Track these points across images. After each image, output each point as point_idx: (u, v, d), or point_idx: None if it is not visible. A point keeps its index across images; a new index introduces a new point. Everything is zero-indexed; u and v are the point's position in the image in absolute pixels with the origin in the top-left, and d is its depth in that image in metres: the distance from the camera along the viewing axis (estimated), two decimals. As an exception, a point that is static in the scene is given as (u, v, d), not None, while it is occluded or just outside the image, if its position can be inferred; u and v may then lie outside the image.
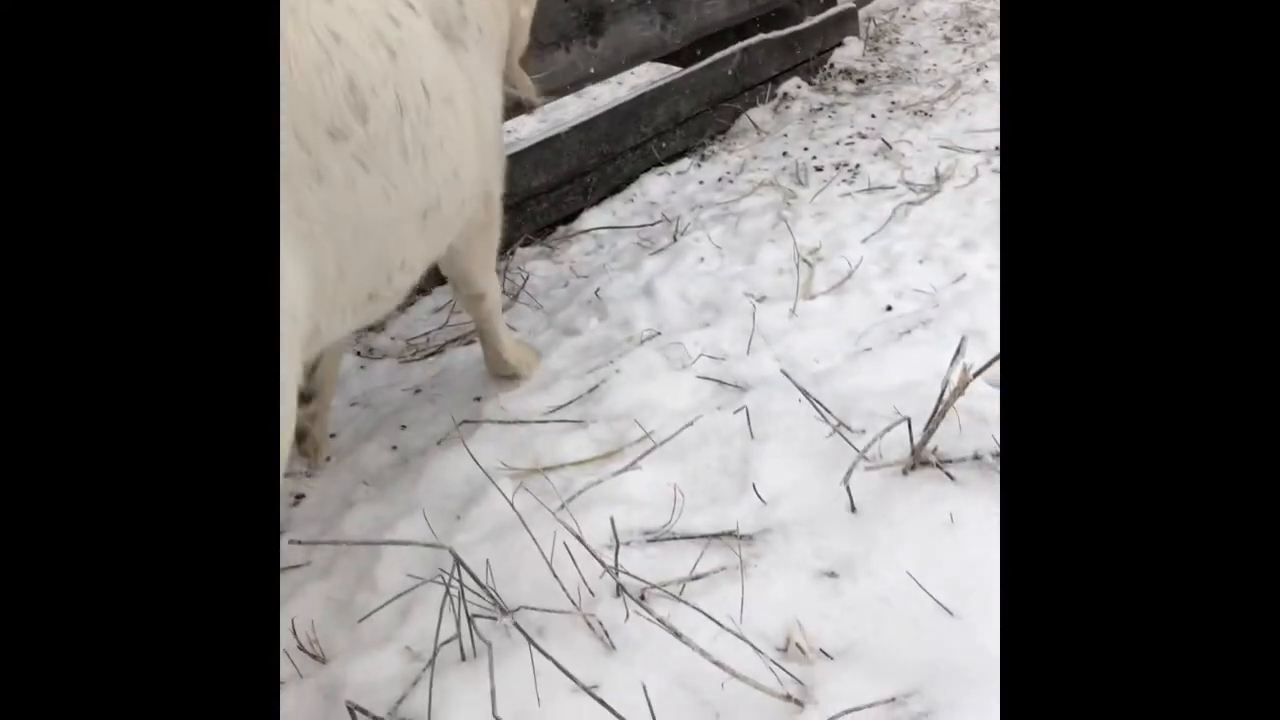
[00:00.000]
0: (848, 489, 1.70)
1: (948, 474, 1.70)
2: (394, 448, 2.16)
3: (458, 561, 1.55)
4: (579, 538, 1.64)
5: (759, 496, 1.76)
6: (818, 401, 1.91)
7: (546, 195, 3.09)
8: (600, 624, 1.54)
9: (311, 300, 1.43)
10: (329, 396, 2.20)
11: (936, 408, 1.74)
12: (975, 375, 1.72)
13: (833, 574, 1.58)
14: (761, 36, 3.86)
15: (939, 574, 1.50)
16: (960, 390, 1.71)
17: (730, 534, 1.68)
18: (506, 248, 2.98)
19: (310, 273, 1.41)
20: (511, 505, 1.77)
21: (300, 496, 2.07)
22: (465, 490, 1.96)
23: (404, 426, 2.23)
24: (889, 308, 2.37)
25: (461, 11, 1.78)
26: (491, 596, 1.58)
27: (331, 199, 1.41)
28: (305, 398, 2.10)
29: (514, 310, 2.69)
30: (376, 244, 1.54)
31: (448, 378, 2.42)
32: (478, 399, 2.28)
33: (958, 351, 1.75)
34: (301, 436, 2.14)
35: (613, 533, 1.66)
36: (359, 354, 2.59)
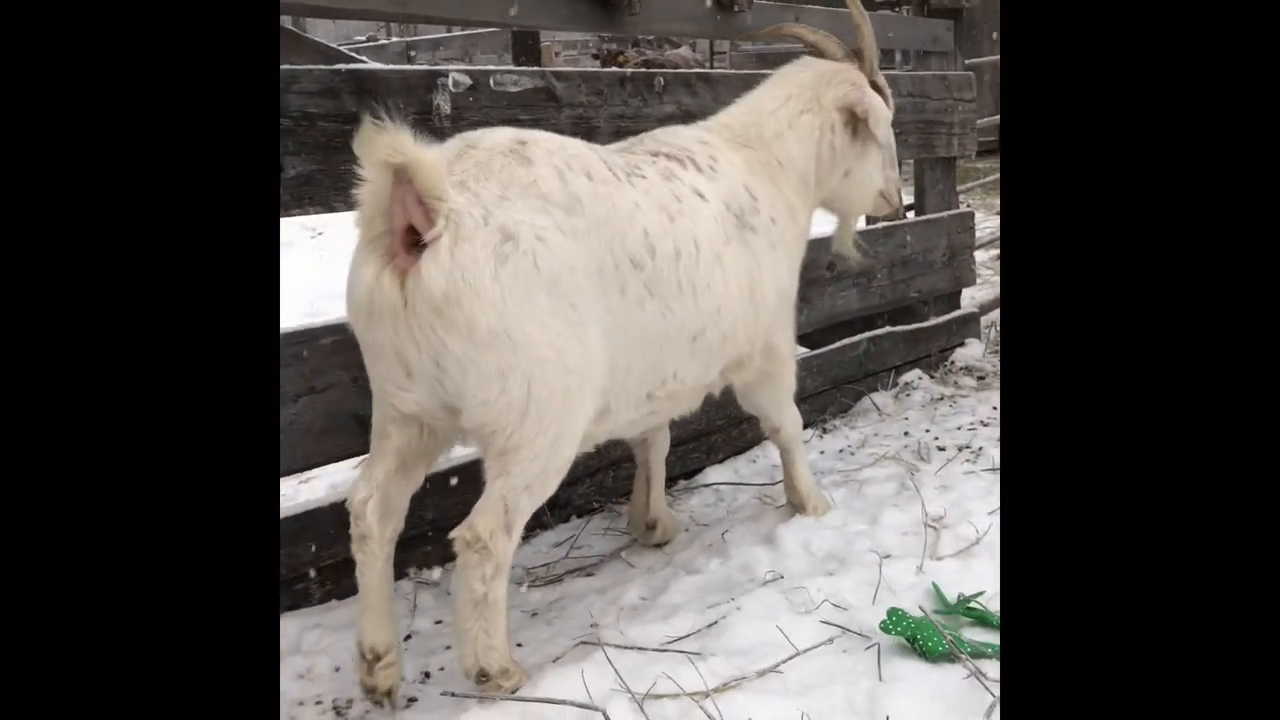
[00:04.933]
0: (985, 732, 1.62)
1: (1094, 728, 1.60)
2: (509, 663, 2.14)
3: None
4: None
5: (889, 734, 1.68)
6: (954, 642, 1.85)
7: (672, 450, 3.16)
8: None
9: (607, 378, 1.98)
10: (660, 483, 2.73)
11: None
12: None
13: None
14: (888, 329, 4.04)
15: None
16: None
17: (859, 766, 1.60)
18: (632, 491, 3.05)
19: (609, 357, 1.96)
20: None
21: (412, 700, 2.05)
22: (579, 712, 1.91)
23: (520, 644, 2.22)
24: (1019, 575, 2.32)
25: (755, 205, 2.37)
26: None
27: (629, 308, 1.99)
28: (649, 525, 2.71)
29: (632, 546, 2.72)
30: (655, 351, 2.09)
31: (565, 604, 2.42)
32: (594, 625, 2.27)
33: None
34: (652, 525, 2.70)
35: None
36: (479, 577, 2.62)
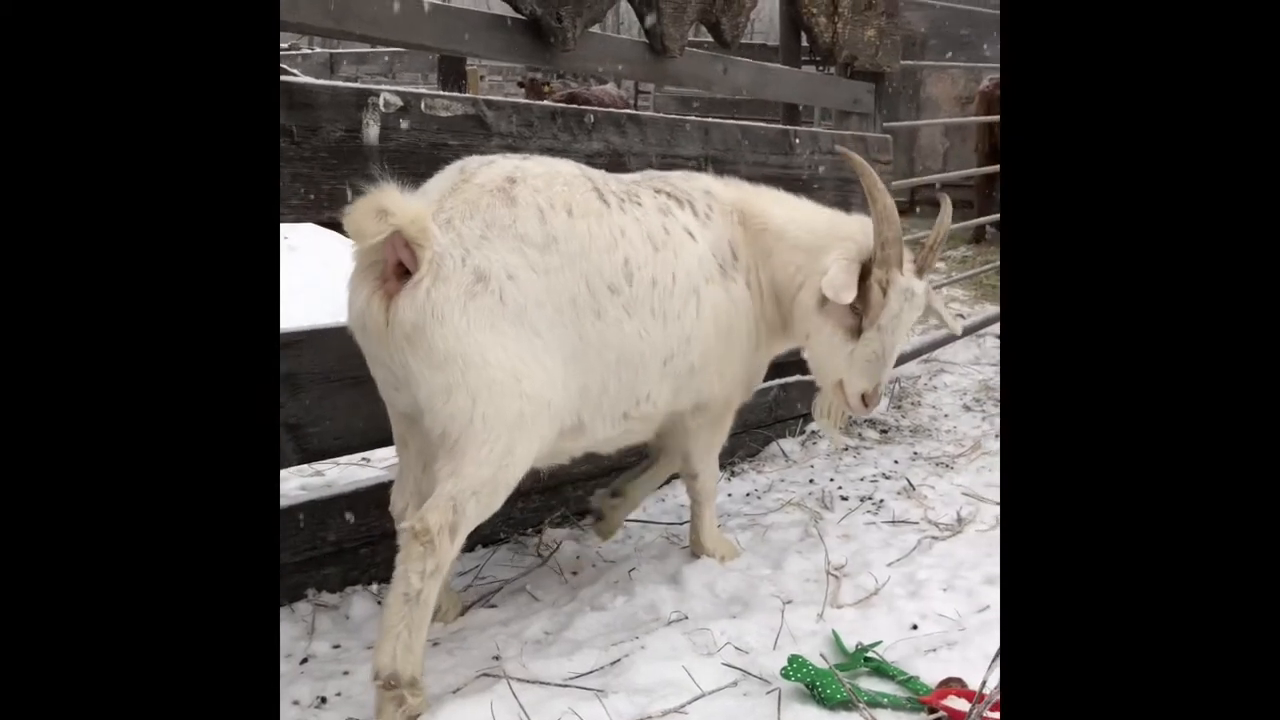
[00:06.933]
0: (880, 780, 1.65)
1: (983, 778, 1.66)
2: (407, 692, 2.11)
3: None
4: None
5: (786, 778, 1.71)
6: (851, 691, 1.88)
7: (584, 483, 3.18)
8: None
9: (577, 399, 2.13)
10: (635, 504, 2.90)
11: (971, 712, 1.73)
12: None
13: None
14: (798, 378, 4.11)
15: None
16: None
17: (757, 810, 1.61)
18: (538, 524, 3.04)
19: (580, 379, 2.11)
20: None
21: (304, 726, 2.00)
22: (477, 742, 1.89)
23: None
24: (914, 626, 2.38)
25: (735, 263, 2.50)
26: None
27: (606, 332, 2.14)
28: (615, 493, 2.86)
29: (538, 576, 2.71)
30: (631, 373, 2.23)
31: (467, 635, 2.40)
32: (497, 657, 2.25)
33: (993, 661, 1.76)
34: (600, 517, 2.86)
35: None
36: (379, 603, 2.57)
